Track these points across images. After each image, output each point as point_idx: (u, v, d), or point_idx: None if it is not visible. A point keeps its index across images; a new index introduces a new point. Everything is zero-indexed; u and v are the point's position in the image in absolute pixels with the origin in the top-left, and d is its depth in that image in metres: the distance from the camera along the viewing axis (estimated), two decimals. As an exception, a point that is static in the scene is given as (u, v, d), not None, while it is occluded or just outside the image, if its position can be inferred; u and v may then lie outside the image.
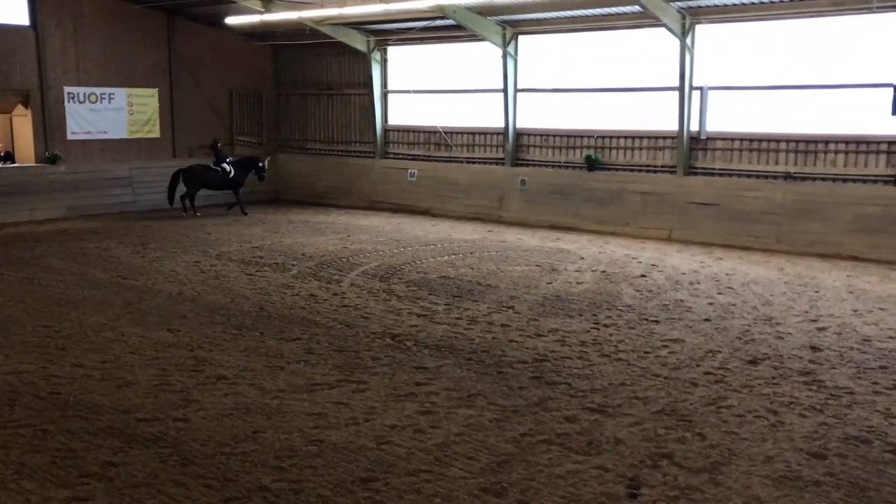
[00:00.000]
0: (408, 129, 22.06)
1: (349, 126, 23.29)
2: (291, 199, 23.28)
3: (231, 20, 20.47)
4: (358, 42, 21.50)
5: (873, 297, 11.39)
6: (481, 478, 5.42)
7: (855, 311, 10.57)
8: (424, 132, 21.65)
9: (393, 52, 22.01)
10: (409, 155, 21.94)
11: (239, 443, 6.05)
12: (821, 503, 5.14)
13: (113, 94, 20.87)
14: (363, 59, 22.02)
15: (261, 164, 20.10)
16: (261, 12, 19.66)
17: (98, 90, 20.61)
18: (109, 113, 20.91)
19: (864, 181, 15.31)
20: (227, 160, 19.99)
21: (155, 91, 21.71)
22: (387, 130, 22.44)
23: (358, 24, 20.93)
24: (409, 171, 21.48)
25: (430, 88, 21.30)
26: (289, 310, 10.30)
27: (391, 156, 22.32)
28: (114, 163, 21.12)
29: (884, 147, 15.12)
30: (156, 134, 21.89)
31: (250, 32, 22.67)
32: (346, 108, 23.27)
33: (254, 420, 6.51)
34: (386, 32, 21.22)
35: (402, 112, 22.19)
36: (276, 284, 11.86)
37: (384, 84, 22.20)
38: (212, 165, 19.83)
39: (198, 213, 19.78)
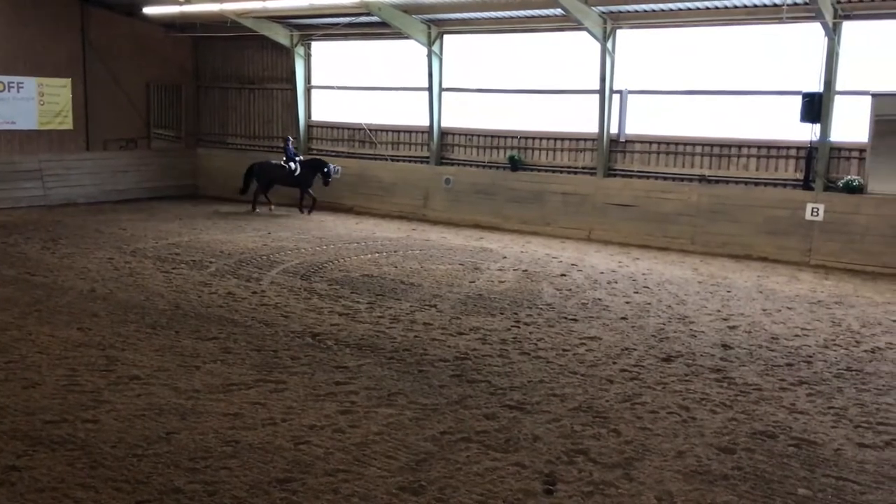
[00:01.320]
0: (332, 126, 21.87)
1: (271, 121, 22.94)
2: (210, 195, 22.79)
3: (149, 10, 19.93)
4: (281, 36, 21.20)
5: (782, 297, 11.84)
6: (400, 476, 5.41)
7: (764, 310, 10.97)
8: (349, 129, 21.50)
9: (317, 47, 21.79)
10: (333, 151, 21.74)
11: (151, 444, 5.89)
12: (729, 496, 5.31)
13: (22, 83, 20.04)
14: (286, 54, 21.72)
15: (326, 169, 19.52)
16: (180, 3, 19.15)
17: (6, 79, 19.76)
18: (18, 103, 20.06)
19: (775, 185, 15.92)
20: (296, 159, 19.65)
21: (68, 81, 20.93)
22: (310, 126, 22.19)
23: (281, 18, 20.63)
24: (333, 167, 21.27)
25: (354, 85, 21.16)
26: (206, 308, 10.08)
27: (315, 152, 22.05)
28: (23, 154, 20.28)
29: (793, 152, 15.75)
30: (68, 126, 21.11)
31: (170, 23, 22.11)
32: (268, 102, 22.91)
33: (167, 421, 6.34)
34: (310, 27, 20.98)
35: (327, 108, 21.98)
36: (193, 282, 11.59)
37: (308, 79, 21.95)
38: (282, 162, 19.57)
39: (272, 208, 19.78)
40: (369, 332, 9.10)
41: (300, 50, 21.56)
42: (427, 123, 19.81)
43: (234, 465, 5.56)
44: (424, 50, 19.22)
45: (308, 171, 19.57)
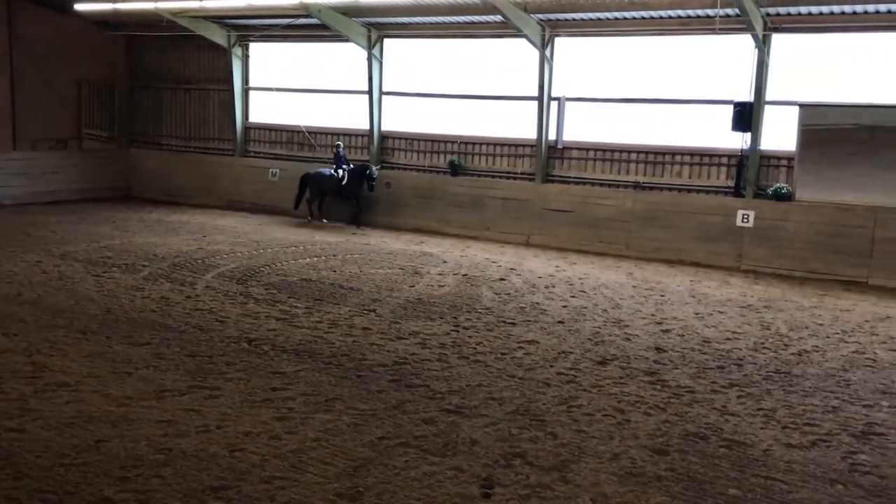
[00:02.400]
0: (270, 128, 21.62)
1: (207, 122, 22.55)
2: (144, 197, 22.29)
3: (80, 6, 19.37)
4: (218, 36, 20.87)
5: (713, 301, 12.14)
6: (337, 483, 5.37)
7: (697, 314, 11.23)
8: (287, 131, 21.28)
9: (255, 48, 21.51)
10: (270, 154, 21.49)
11: (80, 453, 5.71)
12: (662, 497, 5.41)
13: (-57, 79, 19.29)
14: (223, 54, 21.38)
15: (368, 172, 18.22)
16: (113, 0, 18.71)
17: (-75, 74, 19.00)
18: (-62, 100, 19.30)
19: (707, 192, 16.32)
20: (344, 167, 18.42)
21: (-7, 78, 20.23)
22: (247, 128, 21.89)
23: (218, 18, 20.32)
24: (271, 170, 21.03)
25: (293, 87, 20.95)
26: (138, 313, 9.84)
27: (252, 154, 21.80)
28: (-56, 154, 19.53)
29: (724, 160, 16.18)
30: (-6, 124, 20.38)
31: (102, 21, 21.55)
32: (204, 103, 22.51)
33: (97, 429, 6.17)
34: (248, 28, 20.71)
35: (265, 110, 21.71)
36: (126, 286, 11.30)
37: (245, 80, 21.65)
38: (333, 171, 18.53)
39: (323, 220, 18.99)
40: (307, 338, 9.01)
41: (238, 51, 21.25)
42: (367, 127, 19.74)
43: (167, 473, 5.43)
44: (365, 53, 19.16)
45: (354, 179, 18.32)
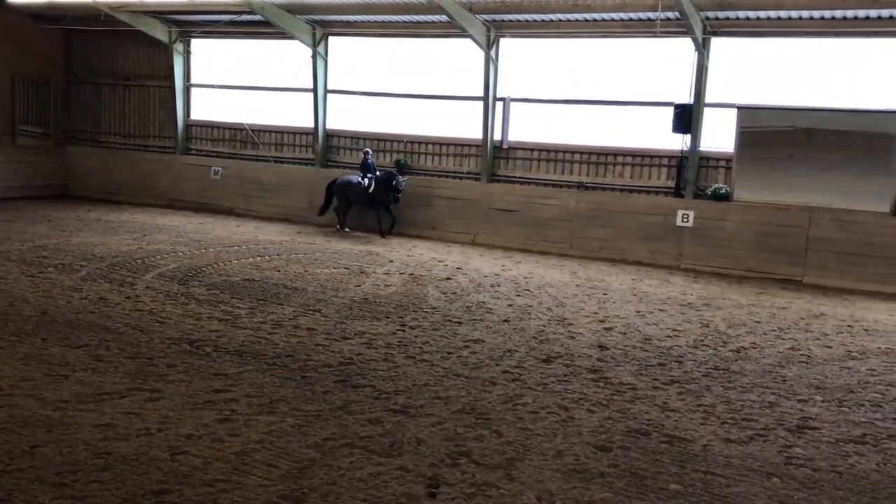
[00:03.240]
0: (212, 125, 21.29)
1: (148, 119, 22.09)
2: (81, 196, 21.74)
3: (14, -1, 18.80)
4: (159, 32, 20.46)
5: (654, 300, 12.37)
6: (281, 485, 5.31)
7: (638, 312, 11.42)
8: (230, 129, 20.98)
9: (198, 44, 21.15)
10: (213, 152, 21.17)
11: (14, 459, 5.54)
12: (605, 493, 5.49)
13: None
14: (164, 50, 20.98)
15: (395, 182, 17.12)
16: (49, -8, 18.21)
17: None
18: None
19: (648, 192, 16.61)
20: (370, 175, 17.46)
21: (-80, 71, 19.50)
22: (189, 125, 21.52)
23: (159, 13, 19.93)
24: (213, 168, 20.71)
25: (236, 84, 20.66)
26: (76, 314, 9.58)
27: (193, 152, 21.42)
28: None
29: (665, 161, 16.50)
30: (-79, 119, 19.65)
31: (37, 14, 20.94)
32: (144, 100, 22.05)
33: (32, 433, 5.98)
34: (190, 24, 20.34)
35: (207, 107, 21.38)
36: (62, 287, 11.00)
37: (187, 77, 21.27)
38: (360, 178, 17.55)
39: (346, 229, 18.01)
40: (250, 338, 8.90)
41: (179, 47, 20.87)
42: (312, 125, 19.58)
43: (105, 478, 5.31)
44: (309, 51, 19.00)
45: (381, 188, 17.29)
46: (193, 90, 21.44)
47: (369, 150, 18.09)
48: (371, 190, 17.30)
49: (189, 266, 12.86)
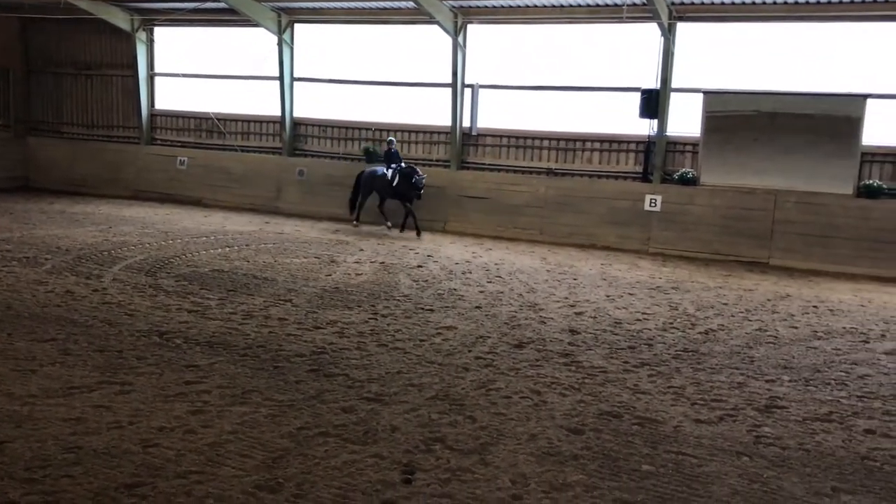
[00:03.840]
0: (177, 115, 21.03)
1: (111, 109, 21.75)
2: (44, 188, 21.36)
3: (-30, -13, 18.35)
4: (120, 20, 20.13)
5: (624, 284, 12.48)
6: (256, 475, 5.29)
7: (608, 296, 11.52)
8: (196, 118, 20.74)
9: (161, 32, 20.84)
10: (178, 142, 20.92)
11: (-19, 456, 5.45)
12: (579, 475, 5.54)
13: None
14: (127, 39, 20.65)
15: (415, 179, 16.20)
16: (6, -20, 17.80)
17: None
18: None
19: (616, 177, 16.73)
20: (394, 166, 16.48)
21: None
22: (153, 115, 21.23)
23: (120, 1, 19.58)
24: (179, 158, 20.47)
25: (201, 73, 20.40)
26: (42, 308, 9.43)
27: (158, 142, 21.15)
28: None
29: (633, 146, 16.62)
30: None
31: (-6, 2, 20.48)
32: (107, 89, 21.70)
33: (0, 429, 5.89)
34: (152, 11, 20.03)
35: (172, 96, 21.10)
36: (27, 280, 10.81)
37: (150, 66, 20.97)
38: (385, 170, 16.59)
39: (354, 223, 17.26)
40: (221, 329, 8.82)
41: (142, 35, 20.55)
42: (279, 113, 19.42)
43: (76, 472, 5.24)
44: (275, 38, 18.81)
45: (404, 181, 16.33)
46: (157, 79, 21.14)
47: (393, 139, 17.27)
48: (395, 183, 16.36)
49: (157, 257, 12.71)
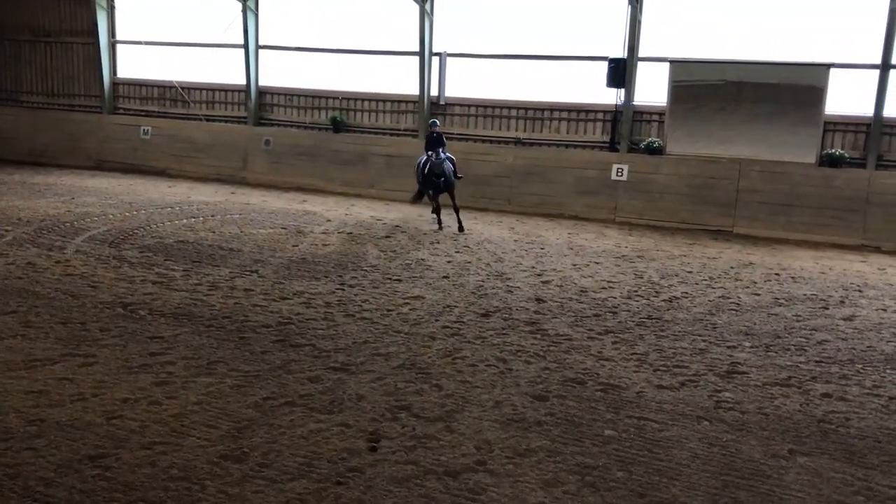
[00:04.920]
0: (140, 83, 20.63)
1: (72, 78, 21.27)
2: (4, 158, 20.87)
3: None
4: (79, -15, 19.63)
5: (590, 253, 12.57)
6: (221, 445, 5.29)
7: (574, 265, 11.61)
8: (159, 87, 20.37)
9: (121, -2, 20.38)
10: (142, 111, 20.55)
11: (-59, 430, 5.39)
12: (543, 441, 5.62)
13: None
14: (86, 4, 20.15)
15: (431, 164, 14.01)
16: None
17: None
18: None
19: (584, 147, 16.77)
20: (431, 152, 14.02)
21: None
22: (116, 84, 20.81)
23: (79, -34, 19.09)
24: (143, 128, 20.14)
25: (164, 40, 20.00)
26: (2, 280, 9.28)
27: (121, 111, 20.77)
28: None
29: (600, 116, 16.65)
30: None
31: (-53, -34, 19.86)
32: (67, 57, 21.20)
33: (-40, 404, 5.82)
34: (112, -23, 19.56)
35: (134, 64, 20.68)
36: (-13, 252, 10.63)
37: (112, 33, 20.51)
38: (433, 158, 13.99)
39: (436, 221, 14.49)
40: (186, 301, 8.76)
41: (102, 1, 20.06)
42: (244, 82, 19.15)
43: (39, 444, 5.21)
44: (239, 5, 18.49)
45: (432, 172, 14.07)
46: (119, 47, 20.69)
47: (437, 121, 14.94)
48: (426, 172, 14.07)
49: (120, 229, 12.55)
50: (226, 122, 19.69)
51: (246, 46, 18.78)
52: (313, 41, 18.65)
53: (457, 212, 14.12)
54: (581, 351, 7.67)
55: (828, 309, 9.80)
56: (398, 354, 7.30)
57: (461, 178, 14.58)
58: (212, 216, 14.16)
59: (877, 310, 9.87)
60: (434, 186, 14.03)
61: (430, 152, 14.03)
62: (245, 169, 19.09)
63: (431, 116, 17.64)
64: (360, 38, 18.18)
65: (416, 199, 15.08)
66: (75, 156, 20.53)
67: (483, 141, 17.41)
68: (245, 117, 19.39)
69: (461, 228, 13.89)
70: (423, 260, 11.45)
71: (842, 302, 10.20)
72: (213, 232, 12.72)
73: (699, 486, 5.08)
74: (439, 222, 14.20)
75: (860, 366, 7.63)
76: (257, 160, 19.03)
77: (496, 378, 6.80)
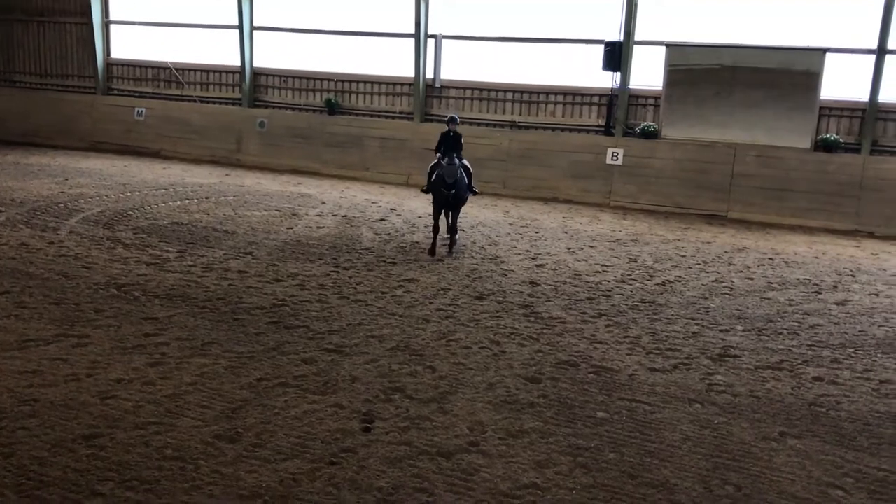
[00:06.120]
0: (134, 64, 20.51)
1: (66, 58, 21.13)
2: (-2, 139, 20.80)
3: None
4: (72, -36, 19.47)
5: (584, 237, 12.59)
6: (215, 425, 5.31)
7: (568, 249, 11.62)
8: (153, 68, 20.25)
9: (115, -22, 20.22)
10: (136, 92, 20.44)
11: (-65, 409, 5.39)
12: (535, 423, 5.65)
13: None
14: (80, -16, 19.98)
15: (439, 171, 10.68)
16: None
17: None
18: None
19: (579, 131, 16.75)
20: (445, 158, 10.64)
21: None
22: (110, 65, 20.68)
23: (72, -55, 18.92)
24: (137, 109, 20.05)
25: (158, 21, 19.87)
26: (-4, 261, 9.26)
27: (115, 92, 20.65)
28: None
29: (596, 99, 16.62)
30: None
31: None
32: (61, 37, 21.04)
33: (-47, 383, 5.83)
34: (106, -44, 19.39)
35: (128, 45, 20.54)
36: (-20, 233, 10.59)
37: (105, 13, 20.36)
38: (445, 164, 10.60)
39: (445, 243, 11.29)
40: (180, 282, 8.76)
41: (95, -20, 19.90)
42: (239, 63, 19.05)
43: (33, 424, 5.22)
44: (234, -14, 18.38)
45: (464, 178, 10.86)
46: (113, 27, 20.55)
47: (456, 116, 11.46)
48: (433, 179, 10.90)
49: (114, 210, 12.52)
50: (220, 103, 19.60)
51: (241, 27, 18.67)
52: (308, 23, 18.54)
53: (453, 231, 10.99)
54: (574, 334, 7.70)
55: (820, 294, 9.84)
56: (392, 336, 7.32)
57: (477, 192, 11.72)
58: (206, 198, 14.13)
59: (869, 295, 9.91)
60: (441, 200, 10.69)
61: (441, 155, 10.86)
62: (239, 151, 19.03)
63: (427, 98, 17.58)
64: (355, 19, 18.08)
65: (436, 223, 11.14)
66: (69, 137, 20.42)
67: (478, 124, 17.37)
68: (239, 99, 19.31)
69: (452, 248, 10.92)
70: (417, 243, 11.45)
71: (835, 287, 10.25)
72: (208, 214, 12.70)
73: (690, 467, 5.12)
74: (433, 247, 10.81)
75: (852, 350, 7.68)
76: (252, 142, 18.97)
77: (490, 360, 6.82)
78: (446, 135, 11.12)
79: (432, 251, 10.74)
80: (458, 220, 11.52)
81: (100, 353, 6.51)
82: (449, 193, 10.55)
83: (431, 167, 11.21)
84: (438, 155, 11.00)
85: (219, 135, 19.22)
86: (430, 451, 5.11)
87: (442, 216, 11.07)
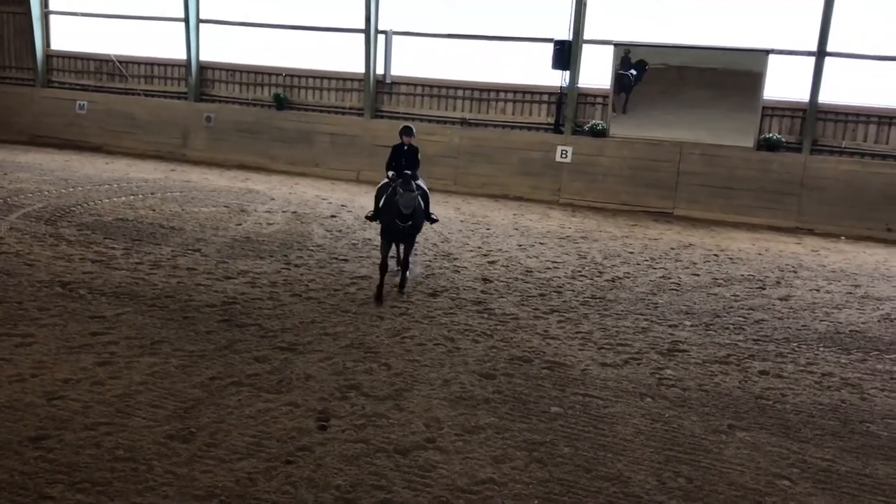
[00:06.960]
0: (76, 56, 19.97)
1: (2, 50, 20.46)
2: (-69, 131, 20.06)
3: None
4: (10, -48, 18.87)
5: (535, 233, 12.70)
6: (167, 425, 5.22)
7: (520, 245, 11.71)
8: (96, 60, 19.75)
9: (55, -33, 19.65)
10: (77, 85, 19.91)
11: None
12: (490, 418, 5.69)
13: None
14: (18, -27, 19.38)
15: (396, 198, 8.46)
16: None
17: None
18: None
19: (529, 128, 16.88)
20: (400, 179, 8.53)
21: None
22: (50, 56, 20.10)
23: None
24: (78, 102, 19.53)
25: (101, 12, 19.38)
26: (-68, 258, 8.95)
27: (56, 85, 20.09)
28: None
29: (545, 97, 16.76)
30: None
31: None
32: (-3, 27, 20.38)
33: None
34: (45, -56, 18.83)
35: (69, 37, 19.97)
36: (-86, 229, 10.22)
37: (45, 2, 19.77)
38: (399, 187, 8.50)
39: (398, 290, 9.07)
40: (127, 280, 8.58)
41: (34, -31, 19.32)
42: (185, 57, 18.70)
43: (-25, 427, 5.07)
44: (180, -22, 18.03)
45: (388, 205, 8.74)
46: (53, 17, 19.97)
47: (411, 126, 9.51)
48: (381, 205, 8.93)
49: (56, 206, 12.19)
50: (165, 97, 19.22)
51: (186, 20, 18.33)
52: (256, 16, 18.29)
53: (404, 268, 9.06)
54: (527, 330, 7.76)
55: (764, 289, 10.10)
56: (346, 334, 7.29)
57: (436, 220, 9.45)
58: (151, 194, 13.85)
59: (811, 290, 10.21)
60: (393, 232, 8.65)
61: (394, 175, 8.82)
62: (185, 146, 18.70)
63: (377, 94, 17.51)
64: (304, 13, 17.90)
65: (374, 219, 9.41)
66: (7, 130, 19.79)
67: (429, 121, 17.36)
68: (185, 93, 18.96)
69: (403, 287, 8.89)
70: (368, 240, 11.41)
71: (778, 282, 10.52)
72: (154, 210, 12.45)
73: (643, 460, 5.21)
74: (379, 292, 8.49)
75: (795, 344, 7.90)
76: (198, 137, 18.66)
77: (444, 357, 6.84)
78: (399, 148, 9.24)
79: (379, 297, 8.41)
80: (413, 253, 9.61)
81: (45, 353, 6.34)
82: (405, 226, 8.50)
83: (379, 189, 9.13)
84: (390, 174, 8.96)
85: (164, 129, 18.84)
86: (387, 449, 5.10)
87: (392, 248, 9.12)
